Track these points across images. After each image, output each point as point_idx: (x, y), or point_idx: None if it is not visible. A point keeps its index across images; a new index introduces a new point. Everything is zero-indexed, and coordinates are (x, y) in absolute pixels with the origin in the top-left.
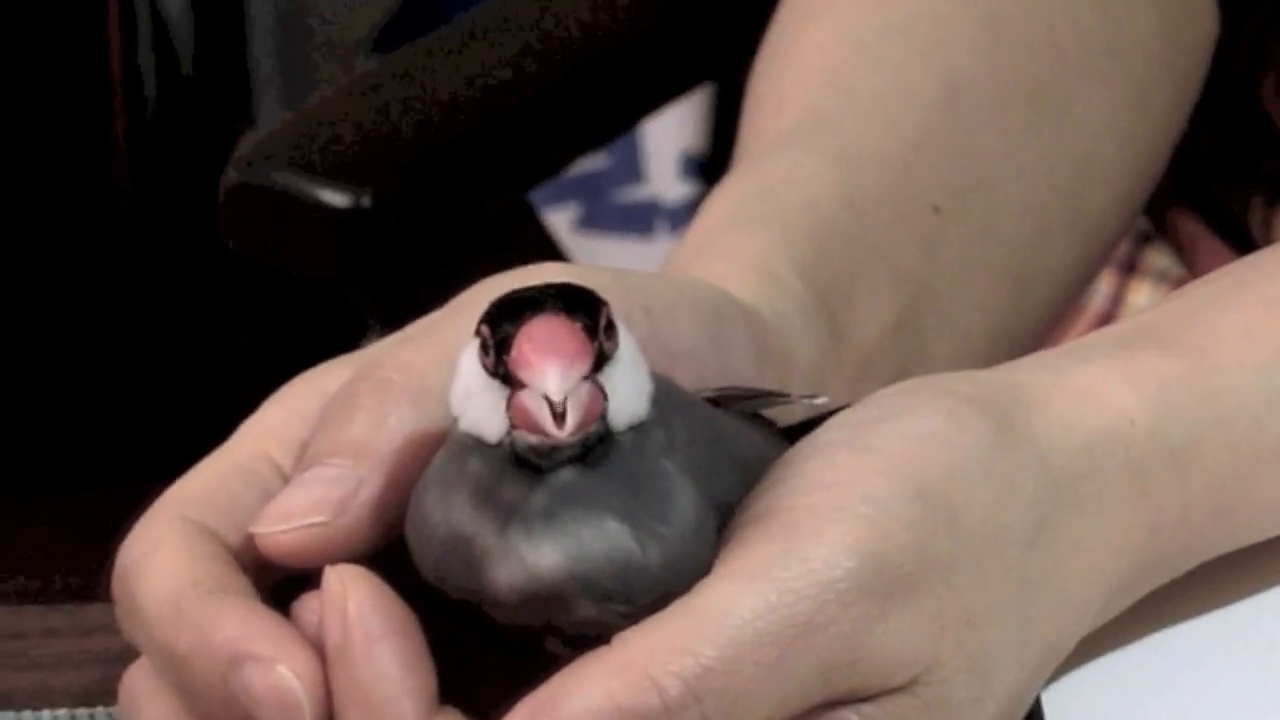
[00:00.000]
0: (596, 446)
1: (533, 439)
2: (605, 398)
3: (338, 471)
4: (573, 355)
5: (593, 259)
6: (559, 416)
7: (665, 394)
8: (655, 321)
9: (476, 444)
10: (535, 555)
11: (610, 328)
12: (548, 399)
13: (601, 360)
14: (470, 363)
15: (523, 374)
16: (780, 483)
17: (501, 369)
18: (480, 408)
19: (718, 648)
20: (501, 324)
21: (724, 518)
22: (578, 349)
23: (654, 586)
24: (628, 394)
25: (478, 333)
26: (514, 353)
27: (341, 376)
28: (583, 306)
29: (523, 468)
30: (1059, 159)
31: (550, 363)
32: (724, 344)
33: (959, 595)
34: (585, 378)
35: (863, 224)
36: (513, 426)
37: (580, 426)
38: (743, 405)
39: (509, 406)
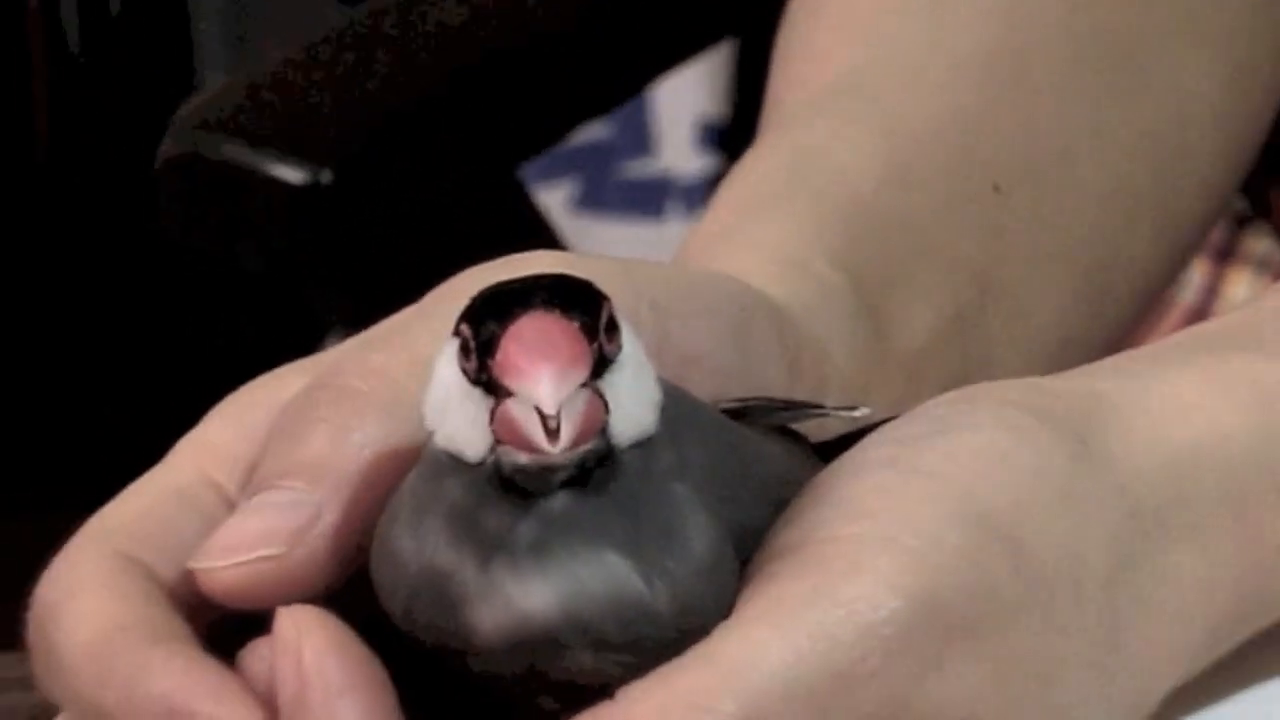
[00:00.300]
0: (596, 467)
1: (522, 458)
2: (606, 409)
3: (292, 496)
4: (568, 359)
5: (593, 245)
6: (552, 431)
7: (677, 405)
8: (665, 321)
9: (454, 463)
10: (523, 594)
11: (612, 327)
12: (539, 410)
13: (602, 365)
14: (448, 368)
15: (510, 381)
16: (814, 509)
17: (485, 375)
18: (459, 420)
19: (741, 703)
20: (485, 322)
21: (746, 551)
22: (574, 352)
23: (662, 632)
24: (632, 405)
25: (457, 332)
26: (500, 356)
27: (297, 384)
28: (580, 302)
29: (509, 492)
30: (1144, 130)
31: (542, 368)
32: (747, 347)
33: (1027, 644)
34: (583, 385)
35: (912, 205)
36: (497, 442)
37: (577, 441)
38: (769, 418)
39: (493, 419)
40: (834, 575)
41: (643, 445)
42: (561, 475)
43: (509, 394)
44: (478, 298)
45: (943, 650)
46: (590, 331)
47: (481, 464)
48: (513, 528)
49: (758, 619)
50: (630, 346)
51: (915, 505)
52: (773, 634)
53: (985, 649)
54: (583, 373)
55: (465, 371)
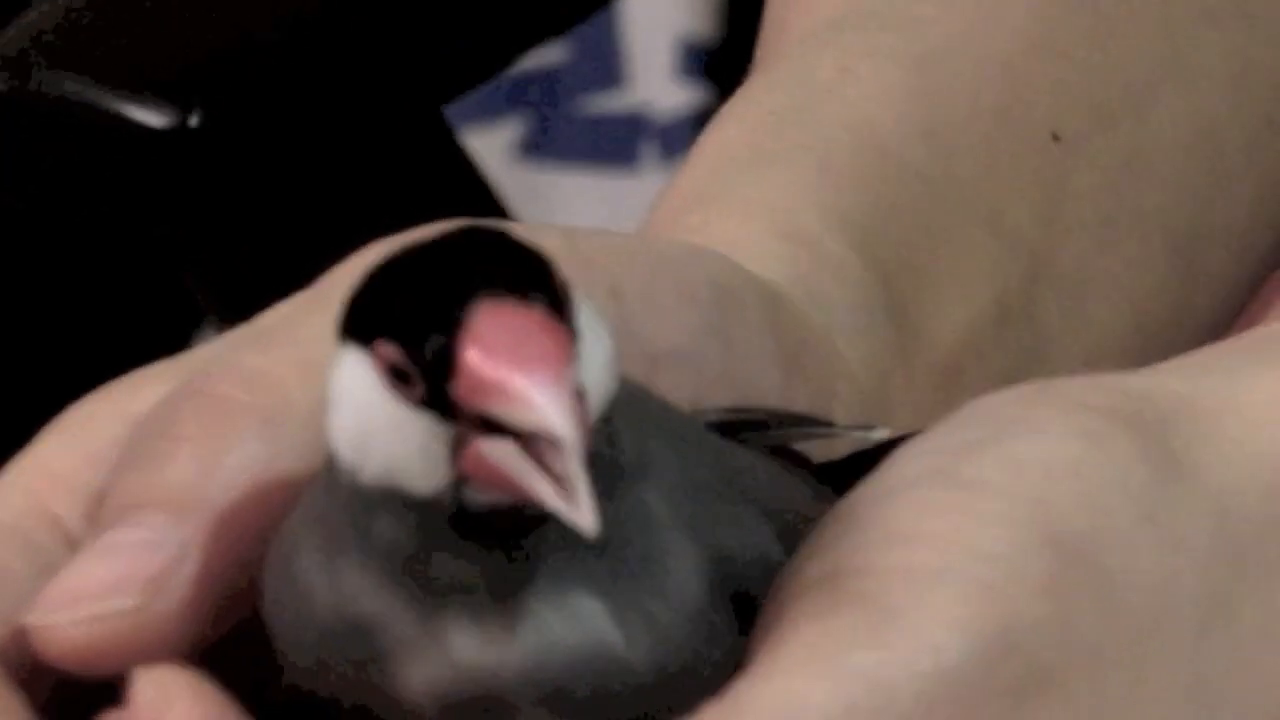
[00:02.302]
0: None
1: (497, 495)
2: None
3: (150, 534)
4: (560, 361)
5: (544, 205)
6: (550, 472)
7: (650, 413)
8: (627, 308)
9: (387, 498)
10: (468, 645)
11: (567, 291)
12: (549, 440)
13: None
14: (360, 387)
15: (495, 407)
16: (845, 537)
17: (444, 400)
18: (398, 452)
19: None
20: (425, 329)
21: (748, 592)
22: (561, 350)
23: (640, 692)
24: (597, 379)
25: (372, 348)
26: (466, 376)
27: (155, 393)
28: (528, 272)
29: (468, 529)
30: (1242, 67)
31: (538, 384)
32: (733, 342)
33: (1112, 701)
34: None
35: (946, 162)
36: (462, 478)
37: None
38: (761, 435)
39: (458, 453)
40: (886, 613)
41: (606, 430)
42: (532, 510)
43: (482, 422)
44: (391, 293)
45: (1019, 707)
46: (564, 312)
47: (434, 500)
48: (466, 570)
49: (795, 668)
50: (589, 324)
51: (977, 526)
52: (816, 683)
53: (1064, 706)
54: (574, 373)
55: (403, 396)
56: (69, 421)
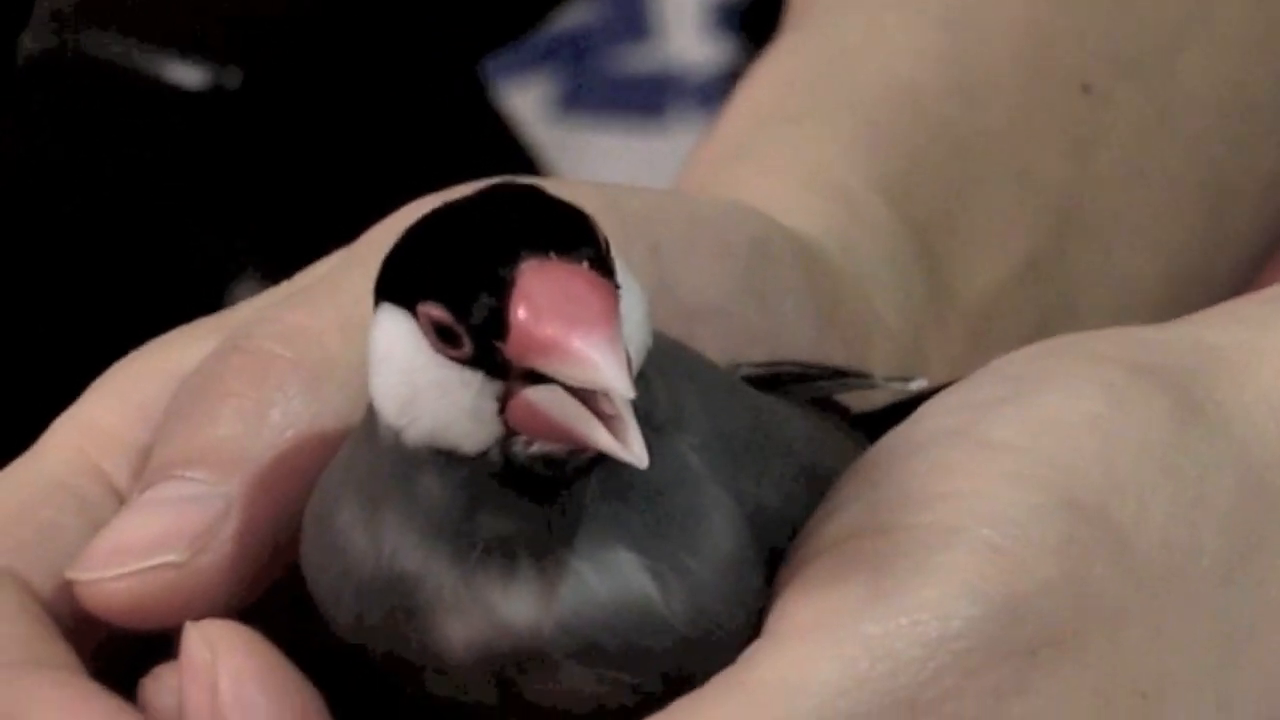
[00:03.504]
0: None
1: (550, 446)
2: (629, 355)
3: (196, 488)
4: (611, 318)
5: (578, 161)
6: (602, 416)
7: (684, 366)
8: (665, 264)
9: (433, 455)
10: (510, 604)
11: (608, 245)
12: (602, 394)
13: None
14: (404, 347)
15: (548, 364)
16: (863, 496)
17: (492, 358)
18: (445, 412)
19: None
20: (473, 291)
21: (772, 544)
22: (609, 306)
23: (675, 648)
24: (636, 330)
25: (412, 308)
26: (518, 334)
27: (200, 349)
28: (572, 230)
29: (517, 486)
30: (1269, 29)
31: (590, 341)
32: (769, 297)
33: (1130, 656)
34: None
35: (978, 116)
36: (509, 434)
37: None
38: (798, 388)
39: (506, 409)
40: (894, 578)
41: (640, 380)
42: (576, 462)
43: (528, 374)
44: (425, 256)
45: (1028, 668)
46: (604, 267)
47: (480, 457)
48: (509, 526)
49: (802, 633)
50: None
51: (990, 487)
52: (821, 652)
53: (1079, 666)
54: (620, 326)
55: (449, 356)
56: (115, 378)
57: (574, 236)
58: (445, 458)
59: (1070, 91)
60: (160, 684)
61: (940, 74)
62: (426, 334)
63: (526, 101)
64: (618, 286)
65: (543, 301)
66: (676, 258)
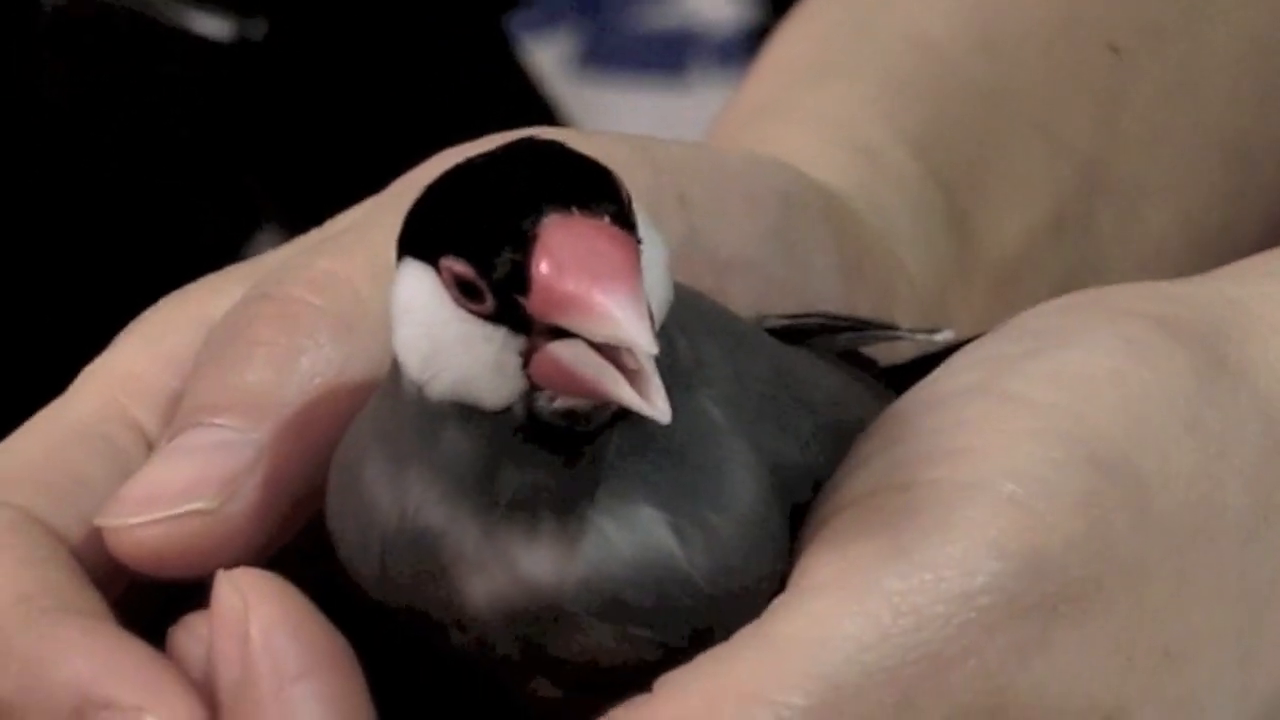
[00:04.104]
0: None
1: (573, 400)
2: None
3: (226, 435)
4: (634, 274)
5: (599, 116)
6: (635, 370)
7: (705, 318)
8: (695, 216)
9: (458, 410)
10: (533, 560)
11: (629, 200)
12: (623, 349)
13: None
14: (427, 302)
15: (572, 319)
16: (887, 451)
17: (515, 313)
18: (469, 366)
19: (811, 696)
20: (495, 245)
21: (796, 499)
22: (632, 262)
23: (698, 604)
24: (657, 287)
25: (434, 263)
26: (540, 290)
27: (230, 297)
28: (596, 185)
29: (540, 441)
30: None
31: (614, 297)
32: (797, 250)
33: (1152, 613)
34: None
35: (1005, 74)
36: (533, 388)
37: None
38: (826, 340)
39: (530, 364)
40: (917, 533)
41: (662, 334)
42: (600, 417)
43: (551, 329)
44: (457, 208)
45: (1050, 624)
46: (626, 223)
47: (504, 412)
48: (531, 481)
49: (825, 589)
50: (650, 235)
51: (1012, 442)
52: (845, 608)
53: (1102, 621)
54: (642, 282)
55: (471, 310)
56: (144, 325)
57: (596, 191)
58: (468, 413)
59: (1097, 51)
60: (190, 632)
61: (966, 31)
62: (449, 288)
63: (548, 58)
64: (640, 241)
65: (565, 256)
66: (705, 210)
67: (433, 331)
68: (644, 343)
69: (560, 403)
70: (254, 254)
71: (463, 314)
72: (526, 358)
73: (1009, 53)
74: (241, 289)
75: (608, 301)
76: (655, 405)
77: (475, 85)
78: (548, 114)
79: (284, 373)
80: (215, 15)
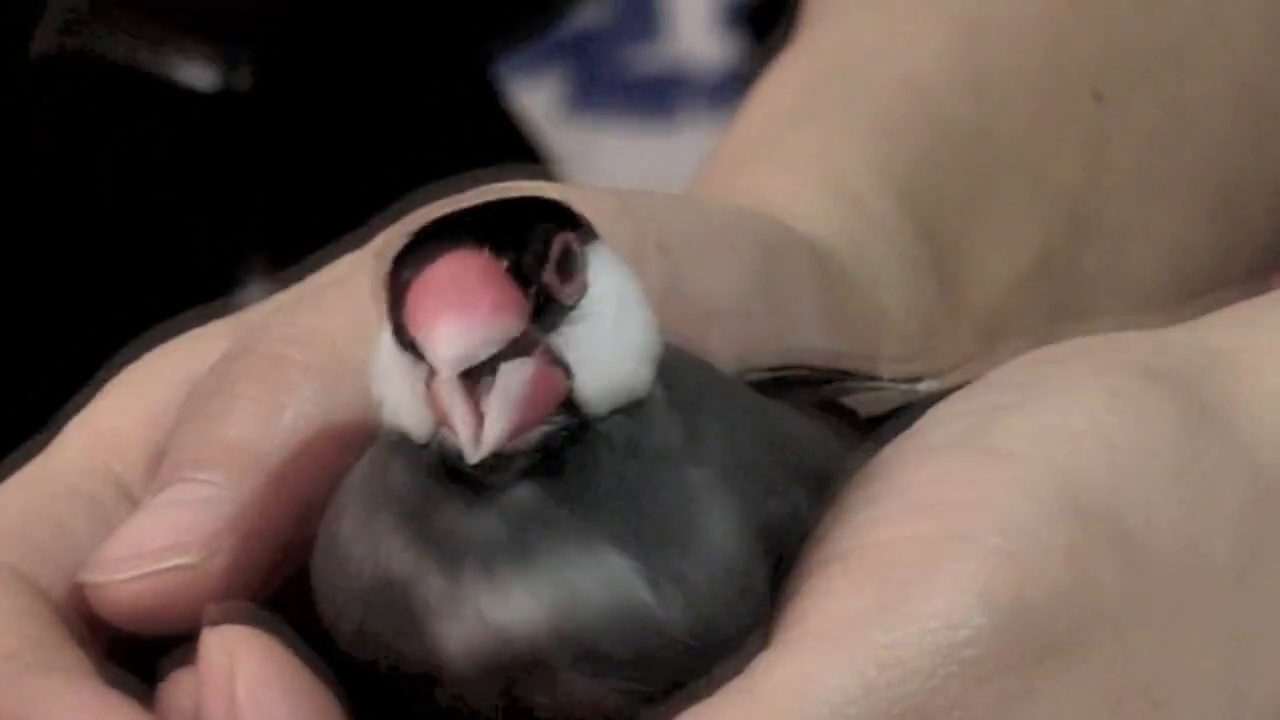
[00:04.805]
0: (565, 446)
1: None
2: (568, 373)
3: (209, 490)
4: (482, 307)
5: (588, 160)
6: (473, 413)
7: (688, 371)
8: (677, 267)
9: (404, 443)
10: (501, 605)
11: (567, 259)
12: (480, 383)
13: (554, 314)
14: (384, 329)
15: (419, 340)
16: (871, 504)
17: (404, 335)
18: (400, 393)
19: None
20: (403, 272)
21: (782, 555)
22: (490, 298)
23: (673, 650)
24: (610, 361)
25: (383, 288)
26: (406, 309)
27: (213, 351)
28: (521, 234)
29: (459, 482)
30: (1275, 22)
31: (442, 320)
32: (780, 298)
33: (1139, 660)
34: (527, 345)
35: (992, 118)
36: (438, 423)
37: (515, 429)
38: (809, 391)
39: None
40: (901, 585)
41: (633, 412)
42: (520, 462)
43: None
44: (405, 239)
45: (1035, 675)
46: (523, 270)
47: (427, 446)
48: (478, 526)
49: (809, 642)
50: (610, 285)
51: (994, 495)
52: (829, 660)
53: (1087, 672)
54: (506, 324)
55: (393, 335)
56: (127, 381)
57: (513, 240)
58: (408, 444)
59: (1081, 97)
60: (178, 688)
61: (954, 76)
62: (387, 312)
63: (537, 101)
64: (534, 287)
65: (434, 283)
66: (688, 259)
67: (381, 357)
68: (443, 370)
69: (451, 442)
70: (242, 303)
71: (393, 341)
72: (427, 389)
73: (996, 97)
74: (224, 343)
75: (437, 324)
76: (476, 443)
77: (462, 134)
78: (535, 160)
79: (266, 427)
80: (201, 66)
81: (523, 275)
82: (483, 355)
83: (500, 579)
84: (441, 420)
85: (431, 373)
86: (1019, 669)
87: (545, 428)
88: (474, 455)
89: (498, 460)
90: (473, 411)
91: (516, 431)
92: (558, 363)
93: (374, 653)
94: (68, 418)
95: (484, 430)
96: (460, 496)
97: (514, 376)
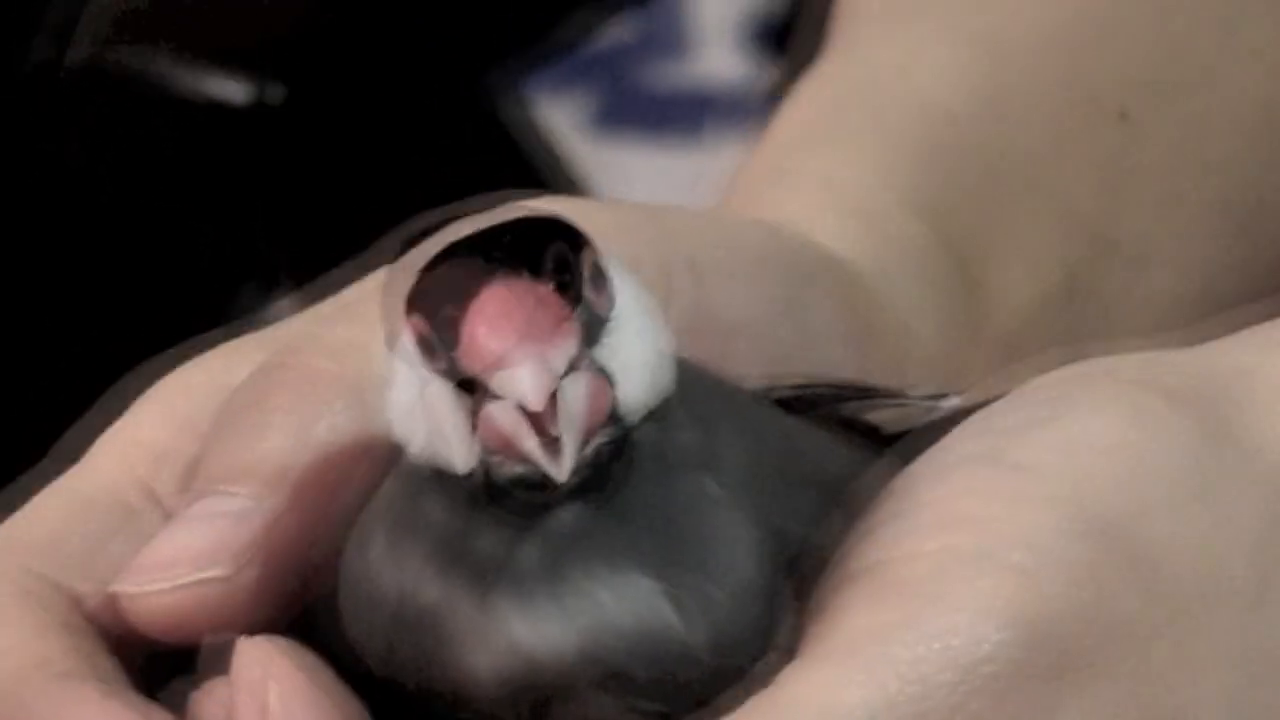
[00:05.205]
0: (610, 461)
1: (519, 467)
2: (611, 383)
3: (242, 503)
4: (547, 333)
5: (615, 175)
6: (545, 433)
7: (710, 388)
8: (704, 284)
9: (435, 475)
10: (531, 630)
11: (599, 276)
12: (543, 413)
13: (595, 328)
14: (407, 360)
15: (483, 374)
16: (893, 521)
17: (457, 370)
18: (434, 425)
19: None
20: (441, 305)
21: (804, 573)
22: (553, 322)
23: (701, 675)
24: (644, 365)
25: (410, 323)
26: (464, 345)
27: (247, 364)
28: (552, 254)
29: (505, 507)
30: None
31: (516, 351)
32: (805, 316)
33: (1156, 679)
34: (576, 362)
35: (1014, 139)
36: (487, 451)
37: (585, 439)
38: (834, 408)
39: (477, 424)
40: (922, 602)
41: (659, 419)
42: (573, 479)
43: (488, 389)
44: (421, 272)
45: (1056, 692)
46: (569, 290)
47: (470, 475)
48: (514, 550)
49: (832, 659)
50: (628, 294)
51: (1017, 512)
52: (852, 677)
53: (1107, 689)
54: (570, 346)
55: (432, 369)
56: (161, 392)
57: (549, 260)
58: (443, 476)
59: (1106, 117)
60: (211, 698)
61: (978, 99)
62: (415, 346)
63: (565, 118)
64: (582, 305)
65: (489, 313)
66: (714, 275)
67: (408, 390)
68: (529, 392)
69: (509, 468)
70: (272, 318)
71: (427, 373)
72: (475, 419)
73: (1017, 119)
74: (258, 357)
75: (510, 355)
76: (557, 465)
77: (492, 151)
78: (564, 177)
79: (300, 440)
80: (232, 80)
81: (569, 293)
82: (556, 384)
83: (532, 604)
84: (503, 448)
85: (479, 404)
86: (1039, 686)
87: (599, 440)
88: (562, 475)
89: (550, 480)
90: (543, 434)
91: (586, 441)
92: (604, 374)
93: (402, 673)
94: (94, 428)
95: (563, 450)
96: (498, 522)
97: (575, 392)
